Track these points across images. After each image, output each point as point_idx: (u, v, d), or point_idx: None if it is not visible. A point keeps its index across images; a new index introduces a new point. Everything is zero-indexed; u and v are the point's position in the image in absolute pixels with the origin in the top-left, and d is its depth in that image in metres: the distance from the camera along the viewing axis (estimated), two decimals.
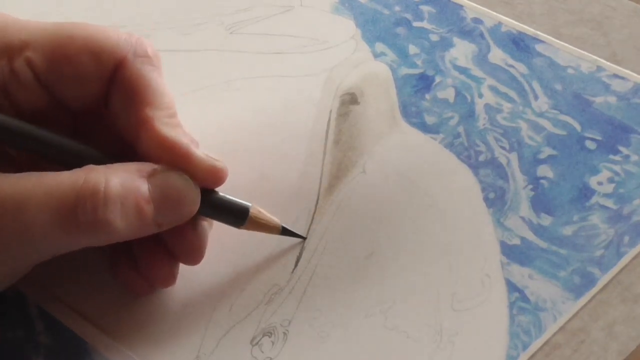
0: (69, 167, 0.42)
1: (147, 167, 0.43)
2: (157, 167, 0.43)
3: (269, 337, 0.45)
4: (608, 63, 0.55)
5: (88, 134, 0.47)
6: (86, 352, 0.45)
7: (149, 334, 0.45)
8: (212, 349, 0.44)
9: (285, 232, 0.46)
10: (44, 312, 0.46)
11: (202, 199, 0.44)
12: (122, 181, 0.42)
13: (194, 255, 0.45)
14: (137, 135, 0.44)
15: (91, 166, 0.42)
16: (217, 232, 0.47)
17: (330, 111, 0.53)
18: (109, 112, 0.46)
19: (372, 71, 0.55)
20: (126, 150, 0.45)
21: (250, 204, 0.45)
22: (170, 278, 0.45)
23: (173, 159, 0.43)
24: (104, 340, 0.45)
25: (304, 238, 0.47)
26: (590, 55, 0.55)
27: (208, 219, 0.45)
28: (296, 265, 0.47)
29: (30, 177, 0.42)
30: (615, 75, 0.54)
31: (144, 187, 0.42)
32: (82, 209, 0.41)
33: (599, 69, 0.54)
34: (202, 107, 0.54)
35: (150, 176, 0.43)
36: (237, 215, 0.45)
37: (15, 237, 0.41)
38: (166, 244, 0.45)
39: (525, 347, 0.44)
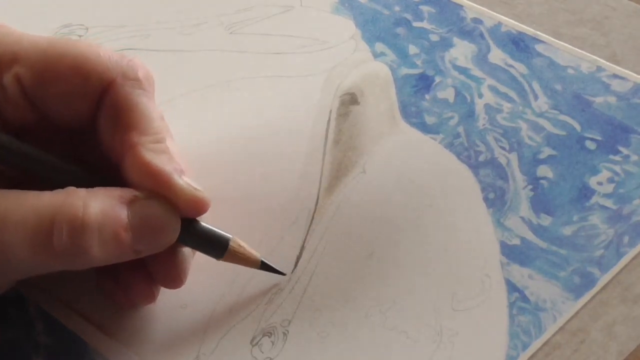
0: (52, 185, 0.42)
1: (129, 193, 0.42)
2: (139, 194, 0.42)
3: (269, 337, 0.45)
4: (608, 63, 0.55)
5: (76, 152, 0.46)
6: (86, 352, 0.45)
7: (149, 334, 0.45)
8: (212, 349, 0.44)
9: (264, 267, 0.46)
10: (43, 312, 0.46)
11: (182, 228, 0.43)
12: (101, 207, 0.41)
13: (173, 281, 0.44)
14: (122, 159, 0.43)
15: (72, 189, 0.42)
16: None
17: (330, 111, 0.53)
18: (97, 133, 0.45)
19: (372, 71, 0.55)
20: (113, 170, 0.44)
21: (230, 236, 0.44)
22: (149, 297, 0.45)
23: (155, 186, 0.42)
24: (104, 340, 0.45)
25: (283, 274, 0.46)
26: (590, 55, 0.55)
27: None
28: (296, 265, 0.47)
29: (12, 194, 0.41)
30: (615, 75, 0.54)
31: (123, 214, 0.41)
32: (57, 234, 0.40)
33: (599, 69, 0.54)
34: (201, 108, 0.54)
35: (130, 203, 0.42)
36: (216, 247, 0.44)
37: None
38: (147, 267, 0.44)
39: (525, 347, 0.44)
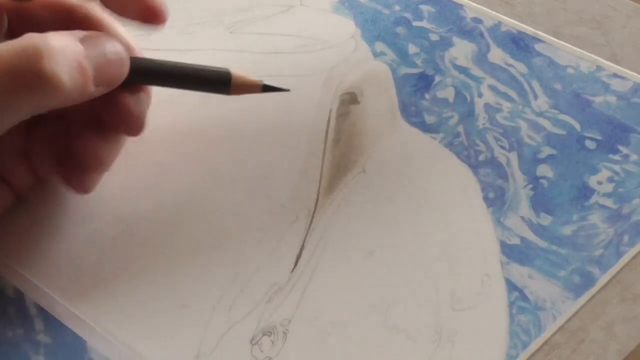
0: None
1: (80, 33, 0.45)
2: (89, 33, 0.45)
3: (269, 336, 0.45)
4: (608, 63, 0.55)
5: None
6: (86, 352, 0.45)
7: (149, 334, 0.45)
8: (212, 349, 0.44)
9: (266, 89, 0.47)
10: (43, 311, 0.46)
11: (183, 72, 0.45)
12: (59, 40, 0.43)
13: (134, 124, 0.46)
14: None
15: (29, 33, 0.43)
16: (215, 232, 0.47)
17: (330, 111, 0.53)
18: None
19: (372, 71, 0.55)
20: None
21: (228, 68, 0.46)
22: (106, 162, 0.47)
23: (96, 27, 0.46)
24: (103, 339, 0.45)
25: (287, 90, 0.48)
26: (590, 55, 0.55)
27: (145, 90, 0.47)
28: (296, 264, 0.47)
29: None
30: (615, 75, 0.54)
31: (80, 47, 0.44)
32: (26, 63, 0.42)
33: (599, 68, 0.54)
34: (201, 107, 0.54)
35: (83, 40, 0.44)
36: (220, 82, 0.46)
37: None
38: (104, 118, 0.46)
39: (524, 346, 0.44)
